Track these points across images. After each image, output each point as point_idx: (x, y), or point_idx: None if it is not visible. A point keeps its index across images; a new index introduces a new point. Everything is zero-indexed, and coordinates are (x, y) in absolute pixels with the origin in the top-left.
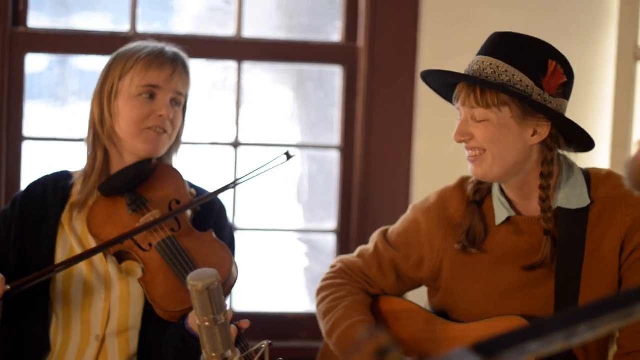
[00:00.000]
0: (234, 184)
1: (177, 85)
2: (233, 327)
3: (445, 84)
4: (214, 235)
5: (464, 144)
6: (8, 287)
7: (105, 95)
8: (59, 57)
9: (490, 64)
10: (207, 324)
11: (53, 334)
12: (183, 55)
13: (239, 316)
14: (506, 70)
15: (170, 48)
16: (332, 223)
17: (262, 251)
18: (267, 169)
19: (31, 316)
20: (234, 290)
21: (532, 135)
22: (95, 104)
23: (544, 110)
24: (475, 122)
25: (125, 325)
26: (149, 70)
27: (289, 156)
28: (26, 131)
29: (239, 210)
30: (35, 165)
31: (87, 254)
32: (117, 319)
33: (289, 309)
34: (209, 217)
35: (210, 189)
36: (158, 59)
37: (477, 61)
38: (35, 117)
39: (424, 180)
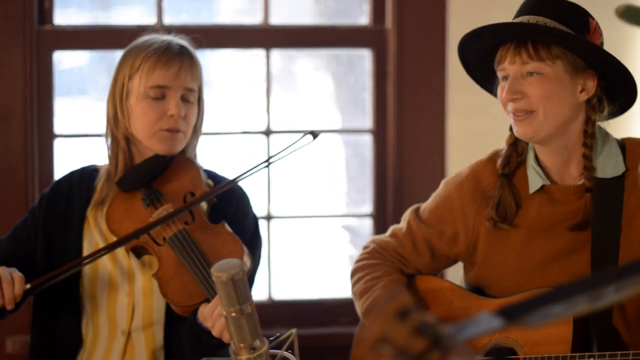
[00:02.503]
0: (249, 172)
1: (186, 81)
2: None
3: (485, 50)
4: (226, 227)
5: (510, 106)
6: (28, 285)
7: (117, 95)
8: (87, 52)
9: (537, 21)
10: (233, 314)
11: (84, 330)
12: (190, 48)
13: (275, 304)
14: (554, 27)
15: (177, 41)
16: (368, 207)
17: (299, 238)
18: (292, 151)
19: (63, 313)
20: (272, 278)
21: (581, 92)
22: (109, 103)
23: (601, 56)
24: (526, 77)
25: (150, 320)
26: (155, 71)
27: (314, 135)
28: (57, 129)
29: (274, 198)
30: (67, 162)
31: (101, 251)
32: (141, 314)
33: (327, 295)
34: (228, 206)
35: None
36: (164, 57)
37: (523, 20)
38: (67, 114)
39: (459, 159)
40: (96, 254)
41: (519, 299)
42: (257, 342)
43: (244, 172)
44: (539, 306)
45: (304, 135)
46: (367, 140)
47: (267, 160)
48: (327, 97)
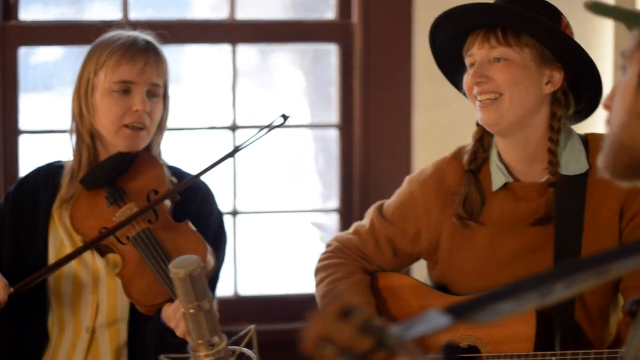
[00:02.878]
0: (217, 163)
1: (151, 77)
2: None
3: (454, 38)
4: (190, 225)
5: (475, 90)
6: (12, 289)
7: (82, 90)
8: (53, 48)
9: (507, 8)
10: (191, 311)
11: (50, 326)
12: (155, 43)
13: (241, 300)
14: (528, 12)
15: (143, 37)
16: (334, 202)
17: (265, 234)
18: (263, 134)
19: (30, 310)
20: (238, 274)
21: (547, 84)
22: (74, 99)
23: (570, 46)
24: (493, 63)
25: (114, 317)
26: (120, 66)
27: (285, 117)
28: (22, 125)
29: (240, 193)
30: (32, 158)
31: (77, 253)
32: (105, 311)
33: (293, 290)
34: (192, 203)
35: (208, 173)
36: (129, 52)
37: (494, 5)
38: (32, 110)
39: (425, 154)
40: (73, 255)
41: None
42: (216, 339)
43: (211, 163)
44: (487, 303)
45: (275, 119)
46: (334, 134)
47: (236, 148)
48: (294, 92)
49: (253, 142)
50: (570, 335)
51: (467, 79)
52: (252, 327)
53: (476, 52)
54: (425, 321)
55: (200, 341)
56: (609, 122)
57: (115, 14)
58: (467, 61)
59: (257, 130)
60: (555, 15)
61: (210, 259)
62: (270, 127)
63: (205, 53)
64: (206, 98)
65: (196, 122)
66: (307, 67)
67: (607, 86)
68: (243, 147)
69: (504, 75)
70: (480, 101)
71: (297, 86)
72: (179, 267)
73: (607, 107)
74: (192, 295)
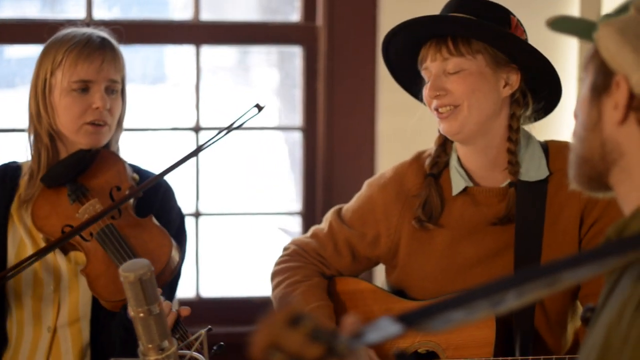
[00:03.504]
0: (197, 151)
1: (109, 74)
2: (173, 314)
3: (407, 51)
4: (154, 220)
5: (434, 103)
6: None
7: (39, 90)
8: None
9: (454, 18)
10: (141, 315)
11: (8, 327)
12: (111, 39)
13: (203, 302)
14: (474, 20)
15: (98, 34)
16: (297, 205)
17: (227, 236)
18: (238, 125)
19: None
20: (201, 275)
21: (504, 87)
22: (31, 99)
23: (521, 47)
24: (449, 75)
25: (76, 315)
26: (77, 65)
27: (259, 108)
28: None
29: (203, 195)
30: None
31: (41, 253)
32: (67, 309)
33: (256, 293)
34: (154, 200)
35: (171, 174)
36: (85, 50)
37: (440, 17)
38: None
39: (389, 157)
40: (39, 254)
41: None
42: (166, 343)
43: (178, 160)
44: (438, 312)
45: (250, 109)
46: (298, 137)
47: (209, 141)
48: (258, 94)
49: (227, 133)
50: (530, 341)
51: (425, 92)
52: (203, 332)
53: (430, 65)
54: (377, 329)
55: (150, 345)
56: (574, 135)
57: (79, 14)
58: (424, 74)
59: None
60: (504, 16)
61: (175, 254)
62: (245, 117)
63: (168, 53)
64: (169, 99)
65: (159, 123)
66: (272, 70)
67: (570, 91)
68: (216, 140)
69: (461, 87)
70: (439, 112)
71: (263, 88)
72: (129, 270)
73: (576, 116)
74: (142, 299)
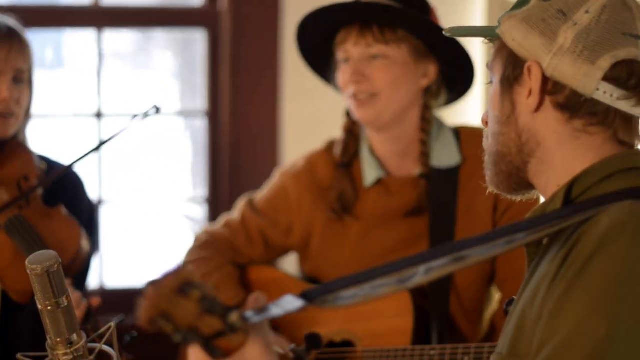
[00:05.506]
0: (98, 147)
1: (17, 63)
2: (84, 304)
3: (325, 32)
4: (63, 210)
5: (352, 88)
6: None
7: None
8: None
9: (384, 4)
10: (49, 308)
11: None
12: (18, 28)
13: (107, 293)
14: (401, 8)
15: (5, 22)
16: (202, 191)
17: (132, 224)
18: (135, 125)
19: None
20: (105, 265)
21: (422, 78)
22: None
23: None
24: (372, 61)
25: None
26: None
27: (157, 109)
28: None
29: (107, 182)
30: None
31: None
32: None
33: None
34: (62, 191)
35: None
36: None
37: (372, 1)
38: None
39: (295, 143)
40: None
41: None
42: (75, 337)
43: (86, 152)
44: (341, 288)
45: (147, 110)
46: (201, 122)
47: (109, 139)
48: (162, 79)
49: (125, 131)
50: (447, 329)
51: (342, 75)
52: (113, 324)
53: (352, 49)
54: (280, 304)
55: (58, 339)
56: (486, 137)
57: None
58: (341, 56)
59: (125, 118)
60: (423, 4)
61: (85, 244)
62: (142, 116)
63: (69, 38)
64: (70, 85)
65: (61, 110)
66: (175, 54)
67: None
68: (115, 138)
69: (384, 75)
70: (356, 98)
71: (165, 73)
72: (36, 263)
73: (484, 122)
74: (50, 292)
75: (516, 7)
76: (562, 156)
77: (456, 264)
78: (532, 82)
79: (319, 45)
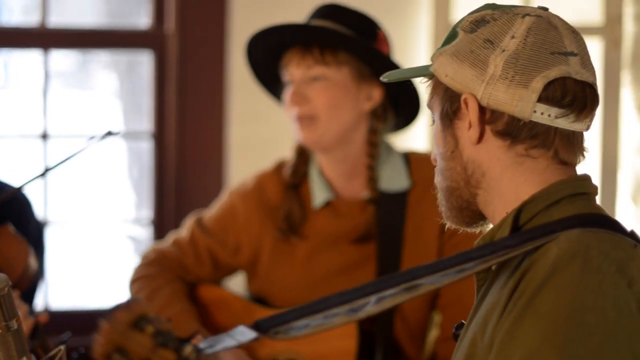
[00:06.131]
0: (44, 172)
1: None
2: (31, 320)
3: (272, 52)
4: (10, 228)
5: (294, 110)
6: None
7: None
8: None
9: (330, 27)
10: None
11: None
12: None
13: (52, 314)
14: (342, 32)
15: None
16: (148, 213)
17: (77, 245)
18: (89, 150)
19: None
20: (51, 287)
21: (366, 101)
22: None
23: (385, 63)
24: (312, 83)
25: None
26: None
27: (110, 134)
28: None
29: (53, 203)
30: None
31: None
32: None
33: (107, 304)
34: (8, 212)
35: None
36: None
37: (315, 24)
38: None
39: (241, 165)
40: None
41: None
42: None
43: (36, 175)
44: (294, 319)
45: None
46: (148, 144)
47: (61, 162)
48: (108, 100)
49: (78, 154)
50: (391, 352)
51: (286, 97)
52: (62, 347)
53: (294, 71)
54: (233, 335)
55: None
56: (437, 174)
57: None
58: (285, 77)
59: (71, 139)
60: (371, 29)
61: (33, 262)
62: (95, 140)
63: (16, 58)
64: (17, 105)
65: (6, 130)
66: (122, 75)
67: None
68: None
69: (323, 97)
70: (298, 120)
71: (112, 94)
72: None
73: (434, 160)
74: (0, 315)
75: (446, 42)
76: (508, 183)
77: (408, 293)
78: (469, 114)
79: (266, 67)
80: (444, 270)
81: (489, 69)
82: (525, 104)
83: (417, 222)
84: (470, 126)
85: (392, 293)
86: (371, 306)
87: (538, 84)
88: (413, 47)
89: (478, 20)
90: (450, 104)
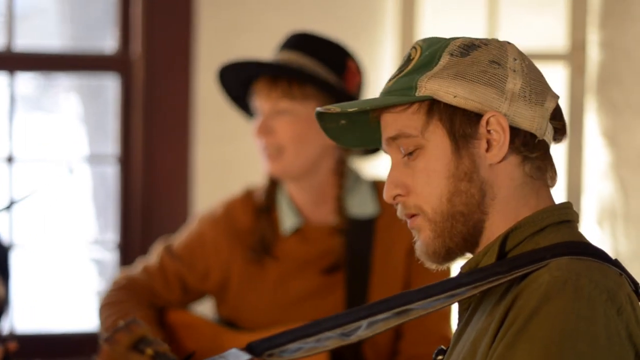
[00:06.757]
0: (10, 205)
1: None
2: (1, 349)
3: (242, 81)
4: None
5: (261, 141)
6: None
7: None
8: None
9: (297, 59)
10: None
11: None
12: None
13: (18, 338)
14: (312, 65)
15: None
16: (113, 236)
17: (43, 269)
18: (49, 185)
19: None
20: (16, 311)
21: None
22: None
23: (351, 97)
24: (278, 116)
25: None
26: None
27: (71, 170)
28: None
29: (18, 226)
30: None
31: None
32: None
33: (73, 328)
34: None
35: None
36: None
37: (282, 55)
38: None
39: (206, 188)
40: None
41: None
42: None
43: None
44: (287, 342)
45: (61, 171)
46: (114, 168)
47: (23, 198)
48: (74, 123)
49: (35, 193)
50: None
51: (254, 127)
52: None
53: (262, 103)
54: (225, 357)
55: None
56: (431, 201)
57: None
58: (255, 105)
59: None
60: (341, 61)
61: (2, 291)
62: (60, 178)
63: None
64: None
65: None
66: (88, 99)
67: None
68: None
69: (289, 131)
70: (265, 152)
71: (77, 118)
72: None
73: (401, 195)
74: None
75: (423, 67)
76: (515, 204)
77: (399, 318)
78: (496, 133)
79: (237, 91)
80: (435, 295)
81: (507, 87)
82: (544, 121)
83: (385, 248)
84: (488, 145)
85: (383, 317)
86: (363, 330)
87: (551, 103)
88: (377, 69)
89: (467, 45)
90: (464, 124)
